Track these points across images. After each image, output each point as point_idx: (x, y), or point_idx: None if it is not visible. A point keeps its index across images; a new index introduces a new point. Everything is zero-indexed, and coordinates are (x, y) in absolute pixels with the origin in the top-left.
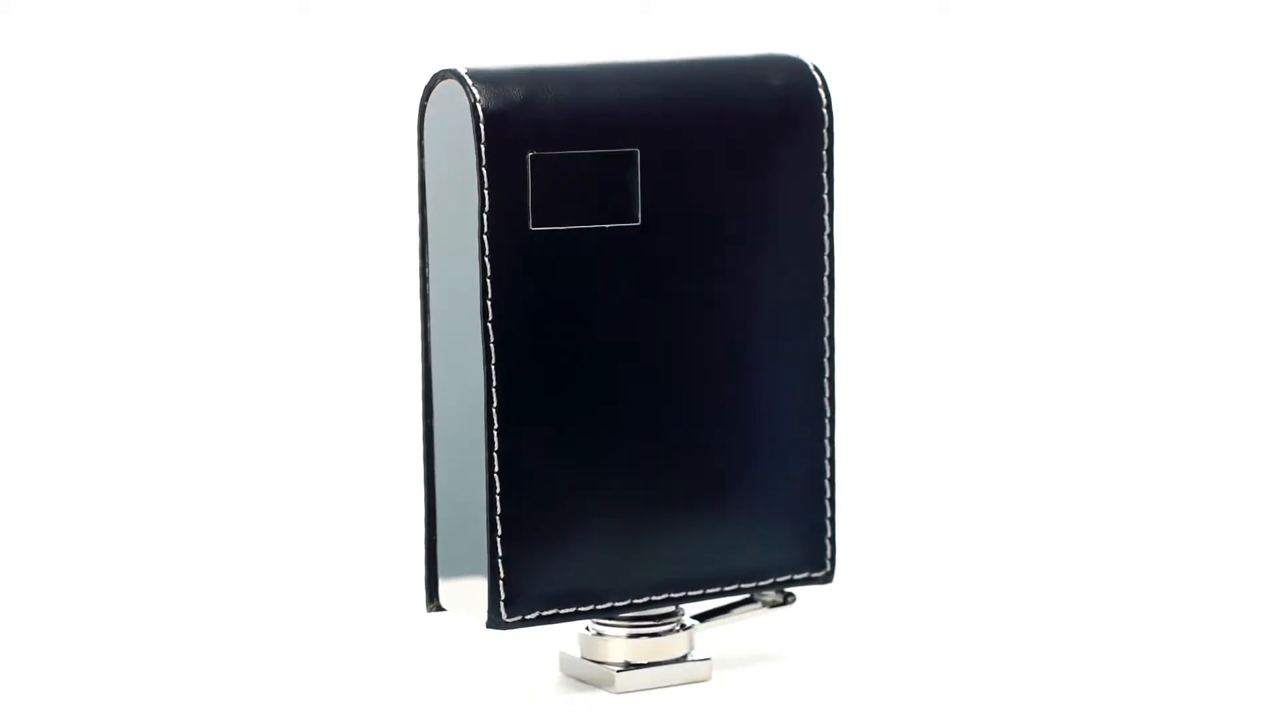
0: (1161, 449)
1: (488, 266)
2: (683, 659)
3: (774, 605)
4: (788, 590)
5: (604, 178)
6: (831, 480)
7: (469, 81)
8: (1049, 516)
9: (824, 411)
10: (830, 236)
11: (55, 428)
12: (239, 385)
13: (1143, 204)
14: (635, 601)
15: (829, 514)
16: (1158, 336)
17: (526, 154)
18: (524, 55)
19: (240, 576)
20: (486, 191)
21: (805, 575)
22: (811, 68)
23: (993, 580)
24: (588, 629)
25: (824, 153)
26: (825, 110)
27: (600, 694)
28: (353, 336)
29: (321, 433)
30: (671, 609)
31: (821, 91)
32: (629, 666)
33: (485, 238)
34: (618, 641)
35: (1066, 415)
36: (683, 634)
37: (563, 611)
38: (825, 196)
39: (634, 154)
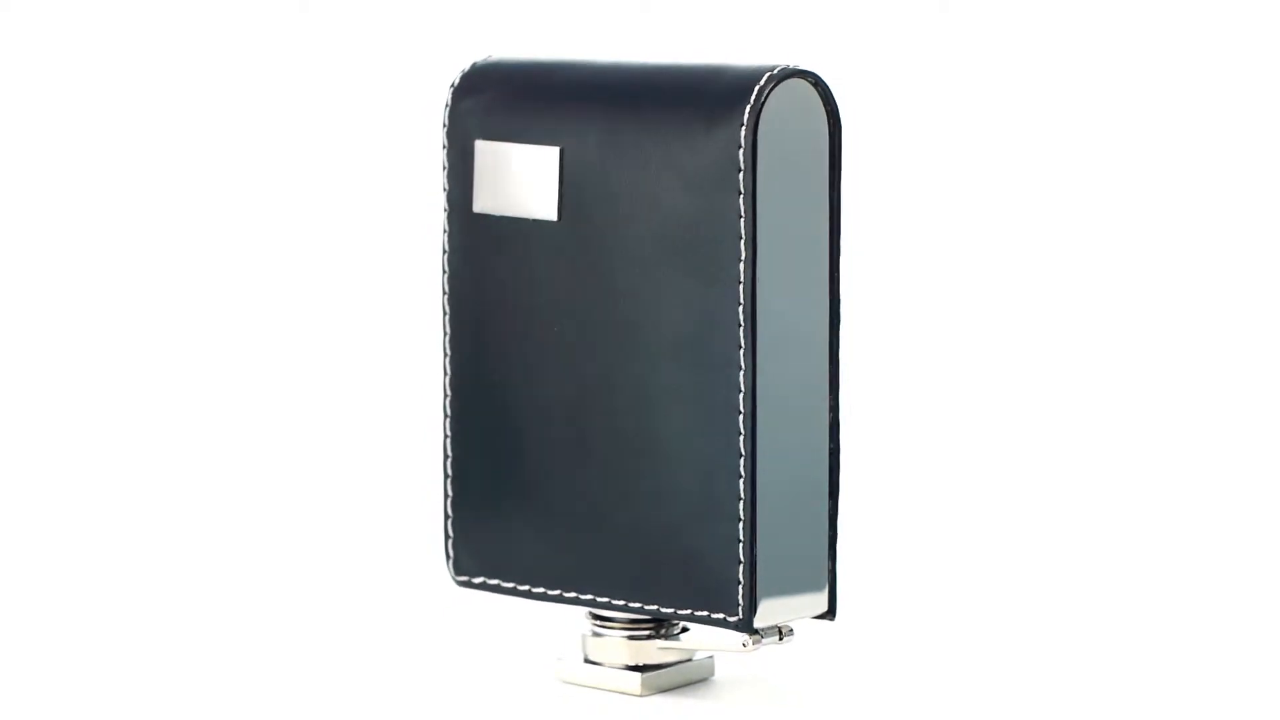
0: (1171, 470)
1: (445, 245)
2: (626, 668)
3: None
4: (754, 635)
5: (539, 172)
6: (752, 521)
7: (464, 68)
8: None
9: (736, 450)
10: (751, 262)
11: (80, 417)
12: (257, 370)
13: (1142, 206)
14: (565, 595)
15: (739, 555)
16: (1171, 345)
17: (473, 140)
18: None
19: (261, 550)
20: (446, 174)
21: (720, 617)
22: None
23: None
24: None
25: (741, 174)
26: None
27: (557, 687)
28: (374, 328)
29: (342, 409)
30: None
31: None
32: (587, 662)
33: (446, 217)
34: (598, 640)
35: (1075, 428)
36: (645, 643)
37: (504, 585)
38: (746, 221)
39: (559, 151)
